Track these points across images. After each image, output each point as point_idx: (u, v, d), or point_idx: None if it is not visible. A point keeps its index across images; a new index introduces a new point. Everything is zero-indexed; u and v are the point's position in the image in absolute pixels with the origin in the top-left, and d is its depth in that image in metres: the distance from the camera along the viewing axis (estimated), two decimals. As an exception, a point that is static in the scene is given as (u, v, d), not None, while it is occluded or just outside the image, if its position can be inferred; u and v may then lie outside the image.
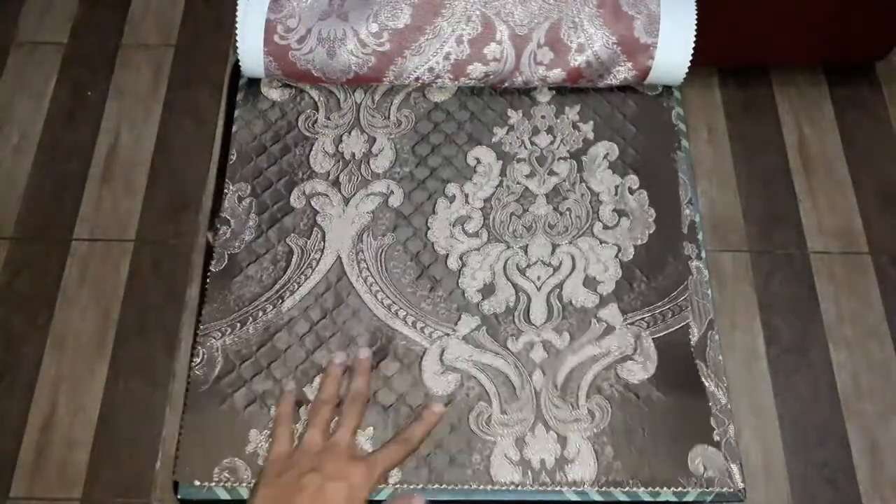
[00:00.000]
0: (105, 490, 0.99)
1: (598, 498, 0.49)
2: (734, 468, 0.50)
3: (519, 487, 0.49)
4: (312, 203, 0.58)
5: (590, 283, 0.55)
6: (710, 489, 0.49)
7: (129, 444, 1.01)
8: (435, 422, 0.50)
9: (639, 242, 0.57)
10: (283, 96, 0.63)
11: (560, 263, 0.55)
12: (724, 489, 0.49)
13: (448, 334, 0.53)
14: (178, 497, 0.49)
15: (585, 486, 0.49)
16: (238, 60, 0.61)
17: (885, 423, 1.03)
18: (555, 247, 0.56)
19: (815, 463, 1.01)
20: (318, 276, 0.56)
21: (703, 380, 0.52)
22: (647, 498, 0.49)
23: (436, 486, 0.49)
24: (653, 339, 0.53)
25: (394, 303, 0.54)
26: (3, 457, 1.00)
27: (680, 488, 0.49)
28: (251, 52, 0.59)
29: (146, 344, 1.07)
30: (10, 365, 1.06)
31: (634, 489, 0.49)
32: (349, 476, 0.46)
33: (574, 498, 0.49)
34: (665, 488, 0.49)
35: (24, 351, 1.07)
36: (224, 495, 0.49)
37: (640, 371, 0.52)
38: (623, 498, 0.49)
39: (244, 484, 0.49)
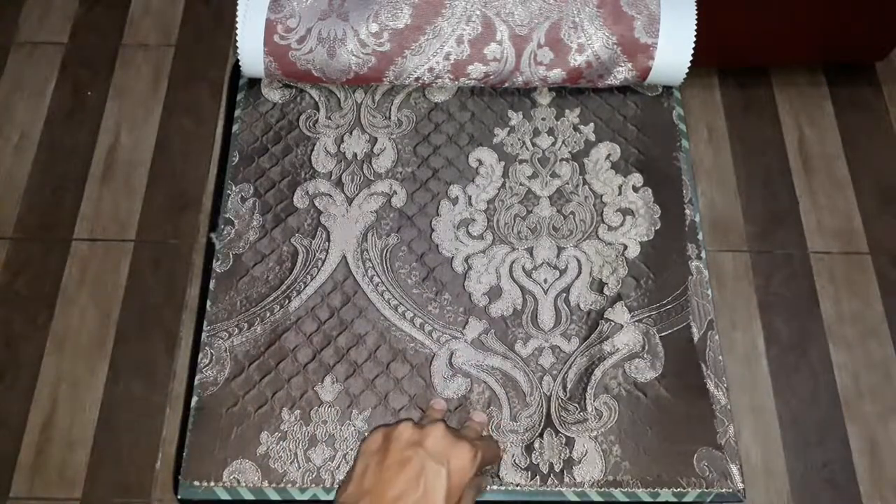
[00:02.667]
0: (105, 490, 0.99)
1: (598, 498, 0.49)
2: (734, 468, 0.50)
3: (521, 488, 0.49)
4: (316, 203, 0.58)
5: (596, 285, 0.55)
6: (709, 489, 0.49)
7: (129, 444, 1.01)
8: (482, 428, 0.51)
9: (645, 239, 0.57)
10: (283, 96, 0.63)
11: (566, 266, 0.55)
12: (724, 489, 0.49)
13: (456, 337, 0.53)
14: (179, 497, 0.49)
15: (587, 487, 0.49)
16: (238, 60, 0.61)
17: (885, 423, 1.03)
18: (560, 249, 0.56)
19: (815, 463, 1.01)
20: (324, 275, 0.56)
21: (706, 380, 0.52)
22: (647, 498, 0.49)
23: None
24: (660, 336, 0.53)
25: (400, 304, 0.54)
26: (3, 457, 1.00)
27: (680, 489, 0.49)
28: (251, 53, 0.59)
29: (146, 344, 1.07)
30: (10, 365, 1.06)
31: (635, 489, 0.49)
32: (452, 458, 0.43)
33: (574, 498, 0.49)
34: (665, 489, 0.49)
35: (24, 351, 1.07)
36: (224, 495, 0.49)
37: (648, 370, 0.52)
38: (623, 498, 0.49)
39: (252, 485, 0.49)
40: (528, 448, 0.50)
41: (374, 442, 0.44)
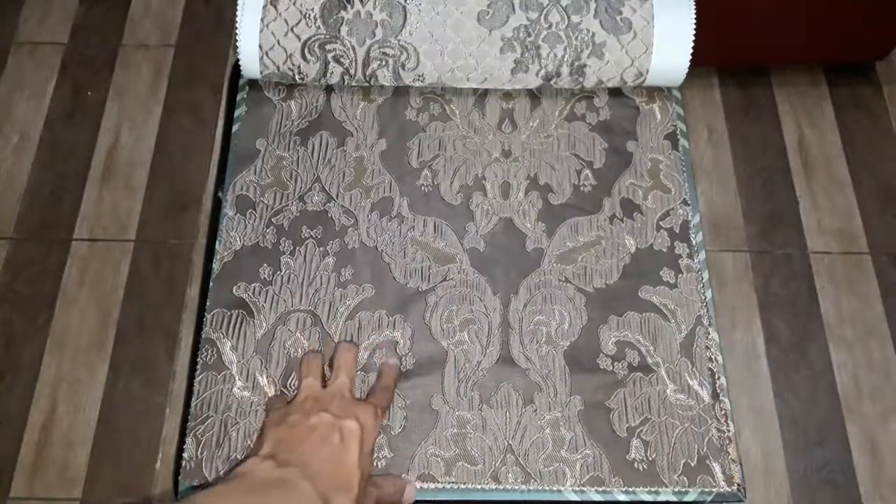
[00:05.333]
0: (105, 490, 0.99)
1: (598, 498, 0.49)
2: (734, 468, 0.50)
3: (519, 488, 0.49)
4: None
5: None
6: (709, 489, 0.49)
7: (129, 444, 1.01)
8: (398, 373, 0.52)
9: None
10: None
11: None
12: (724, 489, 0.49)
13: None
14: (179, 497, 0.49)
15: (586, 486, 0.49)
16: (238, 60, 0.61)
17: (885, 422, 1.03)
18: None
19: (814, 463, 1.01)
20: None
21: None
22: (647, 498, 0.49)
23: (434, 485, 0.49)
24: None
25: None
26: (3, 457, 1.00)
27: (680, 488, 0.49)
28: (251, 53, 0.59)
29: (146, 344, 1.07)
30: (10, 365, 1.06)
31: (634, 489, 0.49)
32: (359, 415, 0.46)
33: (574, 498, 0.49)
34: (665, 488, 0.49)
35: (24, 351, 1.07)
36: (223, 495, 0.49)
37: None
38: (623, 498, 0.49)
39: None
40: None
41: (275, 415, 0.47)
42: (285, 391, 0.52)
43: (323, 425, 0.44)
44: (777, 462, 1.01)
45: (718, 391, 0.52)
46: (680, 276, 0.56)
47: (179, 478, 0.50)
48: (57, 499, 0.99)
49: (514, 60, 0.59)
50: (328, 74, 0.60)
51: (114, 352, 1.07)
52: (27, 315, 1.09)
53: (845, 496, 0.99)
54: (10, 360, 1.06)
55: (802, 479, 1.00)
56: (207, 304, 0.55)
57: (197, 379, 0.52)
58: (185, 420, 0.51)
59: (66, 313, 1.09)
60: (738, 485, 0.49)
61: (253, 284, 0.55)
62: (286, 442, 0.44)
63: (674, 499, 0.49)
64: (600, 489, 0.49)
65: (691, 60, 0.59)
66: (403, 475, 0.49)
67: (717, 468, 0.50)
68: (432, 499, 0.49)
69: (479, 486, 0.49)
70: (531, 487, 0.49)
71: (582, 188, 0.60)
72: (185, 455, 0.50)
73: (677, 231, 0.58)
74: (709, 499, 0.49)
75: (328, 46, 0.59)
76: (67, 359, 1.06)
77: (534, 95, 0.63)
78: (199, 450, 0.50)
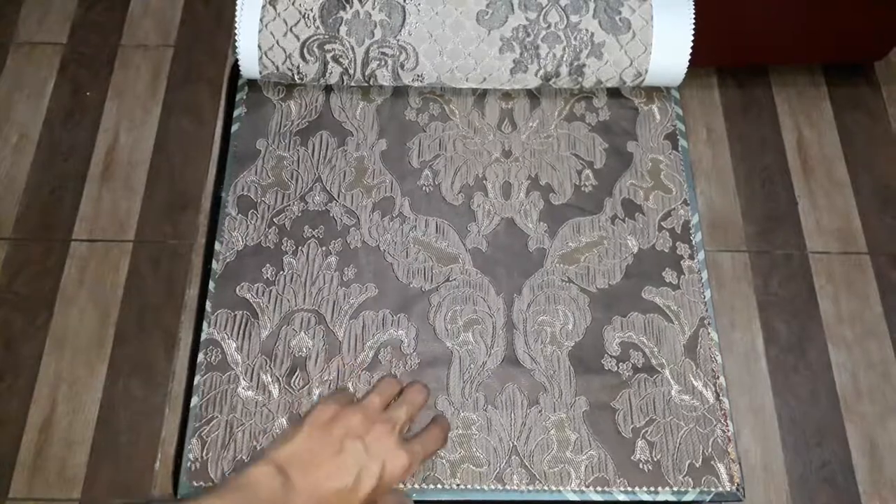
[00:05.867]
0: (104, 490, 0.99)
1: (597, 498, 0.49)
2: (733, 468, 0.50)
3: (523, 489, 0.49)
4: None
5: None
6: (709, 489, 0.49)
7: (128, 444, 1.01)
8: (448, 425, 0.51)
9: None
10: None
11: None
12: (723, 489, 0.49)
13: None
14: (178, 498, 0.49)
15: (585, 486, 0.49)
16: (237, 61, 0.61)
17: (884, 422, 1.03)
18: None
19: (814, 463, 1.01)
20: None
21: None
22: (647, 497, 0.49)
23: (433, 486, 0.49)
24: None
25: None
26: (3, 457, 1.00)
27: (679, 488, 0.49)
28: (251, 53, 0.59)
29: (145, 344, 1.07)
30: (10, 365, 1.06)
31: (634, 489, 0.49)
32: (388, 462, 0.45)
33: (574, 498, 0.49)
34: (664, 488, 0.49)
35: (24, 351, 1.07)
36: (224, 495, 0.49)
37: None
38: (623, 498, 0.49)
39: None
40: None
41: (323, 414, 0.45)
42: (290, 390, 0.52)
43: (348, 457, 0.44)
44: (776, 462, 1.01)
45: (718, 391, 0.52)
46: (682, 277, 0.56)
47: (184, 479, 0.50)
48: (56, 499, 0.99)
49: (514, 60, 0.59)
50: (327, 74, 0.60)
51: (113, 352, 1.07)
52: (26, 315, 1.09)
53: (844, 496, 0.99)
54: (9, 360, 1.06)
55: (801, 479, 1.00)
56: (211, 304, 0.55)
57: (201, 379, 0.52)
58: (184, 420, 0.51)
59: (66, 313, 1.09)
60: (738, 484, 0.49)
61: (256, 284, 0.55)
62: (305, 459, 0.44)
63: (673, 498, 0.49)
64: (603, 490, 0.49)
65: (690, 60, 0.59)
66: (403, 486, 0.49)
67: (721, 469, 0.50)
68: (436, 499, 0.49)
69: (483, 488, 0.49)
70: (536, 488, 0.49)
71: (583, 188, 0.60)
72: (189, 456, 0.50)
73: (679, 231, 0.58)
74: (708, 498, 0.49)
75: (327, 46, 0.59)
76: (67, 359, 1.06)
77: (533, 95, 0.64)
78: (205, 451, 0.50)
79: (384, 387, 0.50)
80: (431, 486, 0.49)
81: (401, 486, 0.49)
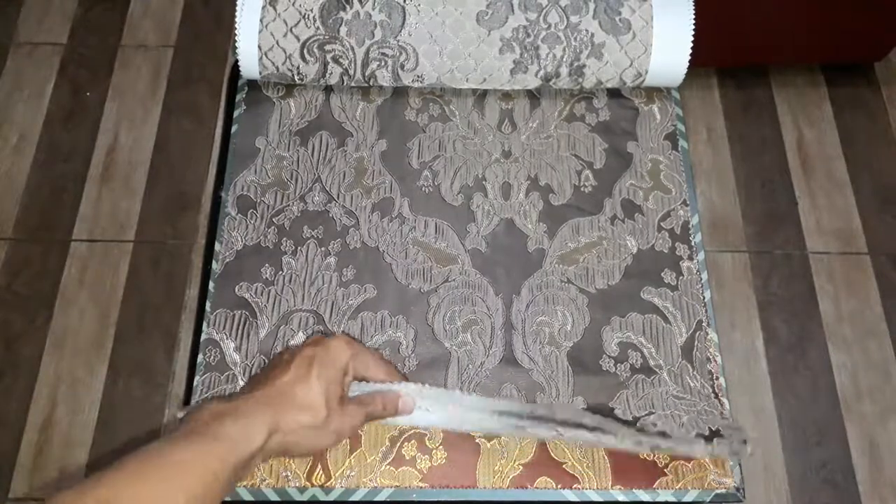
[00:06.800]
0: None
1: (597, 498, 0.49)
2: (733, 468, 0.50)
3: (519, 488, 0.49)
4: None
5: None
6: (709, 489, 0.49)
7: (128, 445, 1.01)
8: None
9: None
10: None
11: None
12: (724, 489, 0.49)
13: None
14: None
15: (585, 486, 0.49)
16: (237, 61, 0.61)
17: (885, 422, 1.03)
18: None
19: (814, 463, 1.01)
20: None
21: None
22: (647, 498, 0.49)
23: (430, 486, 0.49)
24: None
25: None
26: (3, 457, 1.00)
27: (679, 488, 0.49)
28: (250, 53, 0.59)
29: (145, 344, 1.08)
30: (10, 365, 1.06)
31: (634, 489, 0.49)
32: (331, 349, 0.45)
33: (574, 498, 0.49)
34: (664, 488, 0.49)
35: (24, 351, 1.07)
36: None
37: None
38: (622, 498, 0.49)
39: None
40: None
41: (282, 352, 0.47)
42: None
43: (295, 365, 0.44)
44: (776, 462, 1.01)
45: (717, 392, 0.52)
46: (680, 277, 0.56)
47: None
48: (56, 499, 0.99)
49: (514, 61, 0.59)
50: (327, 75, 0.61)
51: (113, 352, 1.07)
52: (26, 315, 1.09)
53: (844, 496, 0.99)
54: (9, 360, 1.06)
55: (802, 479, 1.00)
56: (210, 304, 0.55)
57: (200, 379, 0.52)
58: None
59: (66, 314, 1.09)
60: (738, 484, 0.49)
61: (255, 284, 0.55)
62: (251, 384, 0.45)
63: (673, 499, 0.49)
64: (602, 489, 0.49)
65: (690, 61, 0.59)
66: (394, 384, 0.48)
67: (718, 469, 0.50)
68: (435, 499, 0.49)
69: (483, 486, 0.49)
70: (534, 486, 0.49)
71: (582, 189, 0.60)
72: None
73: (678, 232, 0.58)
74: (708, 498, 0.49)
75: (327, 47, 0.59)
76: (67, 359, 1.06)
77: (533, 96, 0.64)
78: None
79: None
80: (431, 485, 0.49)
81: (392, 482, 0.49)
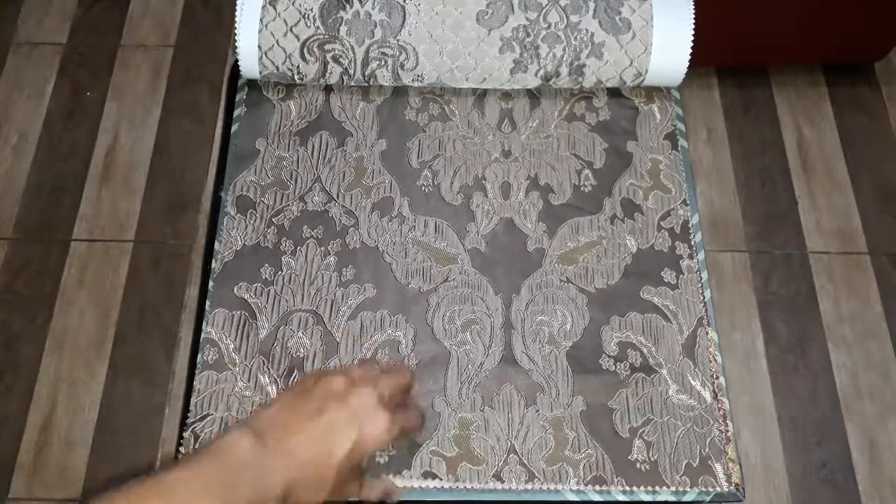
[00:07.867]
0: (104, 491, 0.99)
1: (597, 498, 0.49)
2: (732, 468, 0.50)
3: (522, 487, 0.49)
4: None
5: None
6: (708, 489, 0.49)
7: (128, 445, 1.01)
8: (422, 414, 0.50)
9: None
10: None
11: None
12: (723, 489, 0.49)
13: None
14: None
15: (584, 485, 0.49)
16: (237, 61, 0.61)
17: (884, 422, 1.03)
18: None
19: (814, 463, 1.01)
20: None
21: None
22: (647, 498, 0.49)
23: (437, 483, 0.49)
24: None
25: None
26: (3, 457, 1.00)
27: (678, 488, 0.49)
28: (250, 53, 0.59)
29: (145, 344, 1.07)
30: (10, 365, 1.06)
31: (633, 489, 0.49)
32: (367, 424, 0.43)
33: (574, 498, 0.49)
34: (663, 488, 0.49)
35: (24, 351, 1.07)
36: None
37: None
38: (622, 498, 0.49)
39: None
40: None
41: (307, 381, 0.44)
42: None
43: (325, 419, 0.42)
44: (776, 462, 1.01)
45: (717, 391, 0.52)
46: (681, 276, 0.56)
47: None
48: (56, 499, 0.99)
49: (513, 60, 0.59)
50: (327, 74, 0.61)
51: (113, 352, 1.07)
52: (26, 315, 1.09)
53: (844, 496, 0.99)
54: (9, 360, 1.06)
55: (801, 479, 1.00)
56: (209, 304, 0.55)
57: (198, 378, 0.52)
58: (184, 420, 0.51)
59: (66, 314, 1.09)
60: (737, 485, 0.49)
61: (254, 284, 0.55)
62: (282, 423, 0.42)
63: (673, 498, 0.49)
64: (602, 489, 0.49)
65: (690, 60, 0.59)
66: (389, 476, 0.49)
67: (718, 469, 0.50)
68: (435, 499, 0.49)
69: (481, 487, 0.49)
70: (534, 487, 0.49)
71: (582, 188, 0.60)
72: (181, 449, 0.50)
73: (678, 231, 0.58)
74: (708, 498, 0.49)
75: (327, 46, 0.59)
76: (67, 359, 1.06)
77: (533, 95, 0.64)
78: (197, 444, 0.50)
79: (366, 363, 0.49)
80: (429, 484, 0.49)
81: (394, 480, 0.49)
